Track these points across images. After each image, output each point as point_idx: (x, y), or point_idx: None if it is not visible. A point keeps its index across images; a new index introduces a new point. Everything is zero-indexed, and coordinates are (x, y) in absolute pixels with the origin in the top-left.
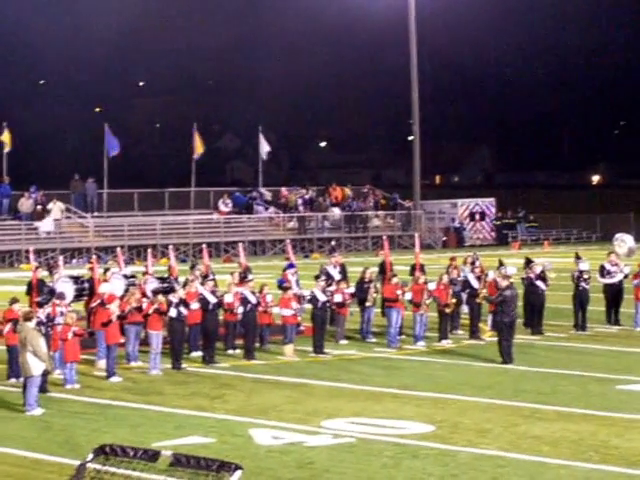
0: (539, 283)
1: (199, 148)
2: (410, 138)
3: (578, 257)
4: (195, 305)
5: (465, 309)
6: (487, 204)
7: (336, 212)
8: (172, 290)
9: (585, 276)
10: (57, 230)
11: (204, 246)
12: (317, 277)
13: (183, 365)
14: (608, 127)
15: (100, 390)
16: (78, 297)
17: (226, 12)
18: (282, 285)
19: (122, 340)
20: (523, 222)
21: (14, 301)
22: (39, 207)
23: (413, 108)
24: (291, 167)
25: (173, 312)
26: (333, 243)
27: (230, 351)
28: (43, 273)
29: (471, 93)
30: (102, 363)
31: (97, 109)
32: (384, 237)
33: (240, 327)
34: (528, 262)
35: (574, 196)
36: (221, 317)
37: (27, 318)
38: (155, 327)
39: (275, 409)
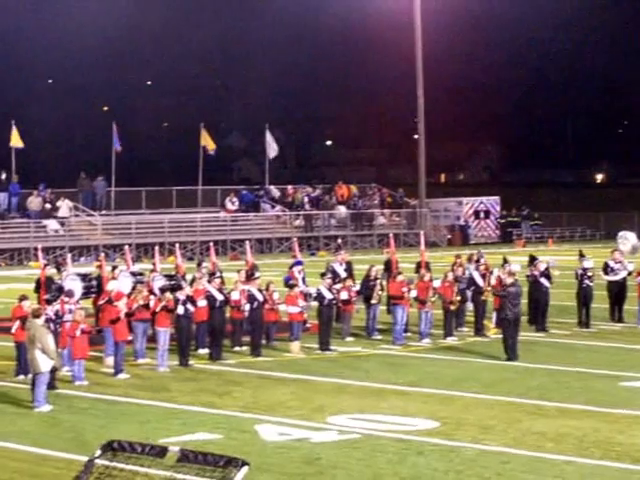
0: (543, 280)
1: (211, 144)
2: (415, 136)
3: (582, 255)
4: (202, 302)
5: (470, 306)
6: (492, 202)
7: (342, 210)
8: (179, 287)
9: (589, 274)
10: (65, 228)
11: (211, 244)
12: (323, 275)
13: (190, 362)
14: (612, 126)
15: (108, 387)
16: (86, 294)
17: (232, 11)
18: (288, 282)
19: (130, 337)
20: (527, 220)
21: (23, 298)
22: (47, 205)
23: (419, 107)
24: (297, 165)
25: (180, 309)
26: (339, 241)
27: (237, 348)
28: (51, 271)
29: (476, 92)
30: (110, 360)
31: (105, 108)
32: (390, 235)
33: (247, 324)
34: (532, 260)
35: (578, 194)
36: (228, 314)
37: (36, 315)
38: (163, 324)
39: (281, 405)
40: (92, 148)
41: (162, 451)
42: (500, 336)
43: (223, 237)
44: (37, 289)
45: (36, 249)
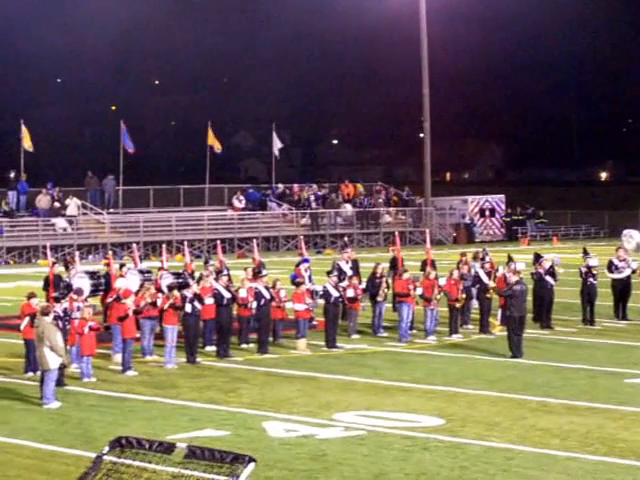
0: (548, 278)
1: (217, 144)
2: (421, 135)
3: (586, 252)
4: (209, 300)
5: (475, 304)
6: (497, 201)
7: (348, 208)
8: (187, 285)
9: (594, 271)
10: (74, 226)
11: (218, 242)
12: (329, 272)
13: (198, 359)
14: (616, 125)
15: (116, 383)
16: (94, 292)
17: (239, 10)
18: (295, 280)
19: (137, 334)
20: (533, 218)
21: (31, 296)
22: (56, 204)
23: (424, 106)
24: (304, 164)
25: (188, 307)
26: (345, 239)
27: (244, 345)
28: (60, 269)
29: (481, 91)
30: (118, 357)
31: (113, 107)
32: (395, 233)
33: (254, 322)
34: (537, 257)
35: (583, 193)
36: (235, 312)
37: (44, 313)
38: (171, 322)
39: (288, 402)
40: (100, 147)
41: (170, 447)
42: (505, 333)
43: (230, 235)
44: (45, 287)
45: (45, 247)
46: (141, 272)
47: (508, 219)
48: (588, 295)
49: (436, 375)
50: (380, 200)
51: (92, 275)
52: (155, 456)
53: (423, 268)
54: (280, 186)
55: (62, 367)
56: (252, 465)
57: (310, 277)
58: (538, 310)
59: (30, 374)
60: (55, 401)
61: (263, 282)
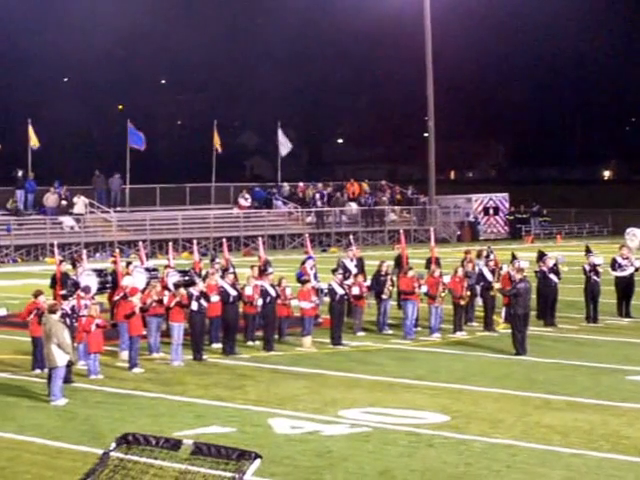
0: (552, 276)
1: (218, 144)
2: (425, 135)
3: (589, 250)
4: (215, 298)
5: (479, 301)
6: (501, 199)
7: (353, 207)
8: (193, 283)
9: (600, 270)
10: (81, 225)
11: (224, 240)
12: (335, 270)
13: (204, 356)
14: (619, 124)
15: (123, 380)
16: (101, 290)
17: (246, 10)
18: (301, 278)
19: (144, 332)
20: (537, 217)
21: (38, 293)
22: (63, 202)
23: (428, 105)
24: (309, 163)
25: (194, 305)
26: (351, 237)
27: (250, 343)
28: (67, 267)
29: (485, 91)
30: (125, 354)
31: (120, 107)
32: (400, 231)
33: (259, 319)
34: (541, 255)
35: (586, 191)
36: (241, 309)
37: (52, 310)
38: (177, 319)
39: (293, 399)
40: (107, 146)
41: (176, 444)
42: (509, 331)
43: (236, 233)
44: (53, 284)
45: (52, 245)
46: (148, 270)
47: (512, 217)
48: (592, 293)
49: (441, 372)
50: (385, 199)
51: (99, 273)
52: (162, 452)
53: (428, 266)
54: (285, 185)
55: (69, 364)
56: (258, 461)
57: (315, 275)
58: (542, 308)
59: (37, 371)
60: (62, 398)
61: (269, 280)
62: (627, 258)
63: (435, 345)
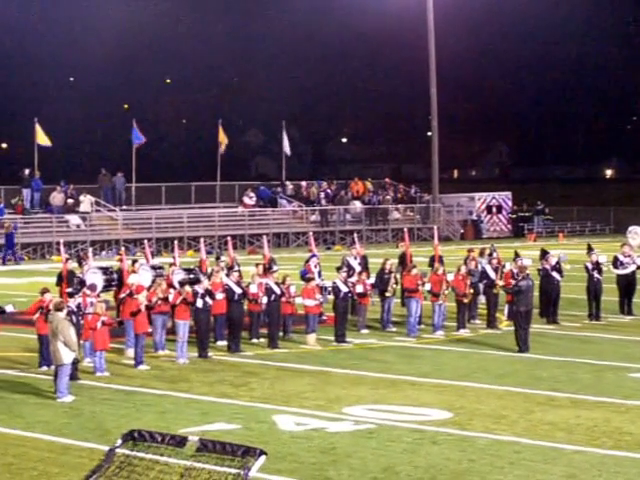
0: (554, 274)
1: (222, 143)
2: (429, 133)
3: (590, 249)
4: (220, 295)
5: (482, 299)
6: (504, 198)
7: (357, 205)
8: (198, 281)
9: (604, 268)
10: (87, 223)
11: (229, 238)
12: (339, 268)
13: (209, 354)
14: (621, 122)
15: (129, 378)
16: (107, 287)
17: (250, 10)
18: (305, 276)
19: (150, 329)
20: (540, 215)
21: (45, 291)
22: (70, 200)
23: (432, 104)
24: (314, 162)
25: (199, 302)
26: (355, 235)
27: (254, 340)
28: (73, 265)
29: (488, 89)
30: (130, 352)
31: (125, 106)
32: (404, 229)
33: (264, 317)
34: (544, 254)
35: (588, 190)
36: (246, 307)
37: (58, 308)
38: (182, 317)
39: (298, 396)
40: (113, 145)
41: (182, 441)
42: (512, 328)
43: (241, 232)
44: (59, 282)
45: (58, 243)
46: (153, 268)
47: (514, 216)
48: (594, 291)
49: (444, 369)
50: (388, 197)
51: (105, 271)
52: (167, 449)
53: (431, 264)
54: (289, 184)
55: (75, 362)
56: (263, 458)
57: (320, 273)
58: (544, 305)
59: (44, 368)
60: (69, 395)
61: (273, 278)
62: (629, 256)
63: (438, 342)
